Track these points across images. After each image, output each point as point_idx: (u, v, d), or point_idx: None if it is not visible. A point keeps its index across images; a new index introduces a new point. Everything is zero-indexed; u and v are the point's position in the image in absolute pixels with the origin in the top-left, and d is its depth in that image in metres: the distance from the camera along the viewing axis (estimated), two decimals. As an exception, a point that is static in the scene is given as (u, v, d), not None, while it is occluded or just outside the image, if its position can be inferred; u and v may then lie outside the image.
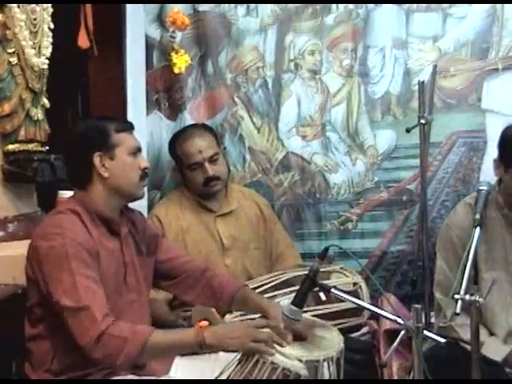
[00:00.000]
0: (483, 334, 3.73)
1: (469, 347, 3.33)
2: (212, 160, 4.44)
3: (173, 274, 3.58)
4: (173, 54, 4.88)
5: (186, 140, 4.51)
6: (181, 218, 4.35)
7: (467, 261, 3.44)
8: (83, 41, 4.15)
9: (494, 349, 3.74)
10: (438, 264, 4.05)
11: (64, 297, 3.00)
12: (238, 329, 3.23)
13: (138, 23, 5.08)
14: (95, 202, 3.27)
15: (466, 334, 3.50)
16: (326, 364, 3.29)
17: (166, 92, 5.22)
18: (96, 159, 3.27)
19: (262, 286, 4.01)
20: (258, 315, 3.52)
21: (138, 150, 3.41)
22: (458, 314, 3.47)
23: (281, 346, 3.17)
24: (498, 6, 5.05)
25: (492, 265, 3.47)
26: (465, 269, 3.40)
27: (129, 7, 4.99)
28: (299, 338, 3.36)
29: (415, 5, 5.16)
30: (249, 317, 3.71)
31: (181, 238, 4.33)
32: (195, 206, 4.49)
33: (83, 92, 4.97)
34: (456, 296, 3.36)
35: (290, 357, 3.15)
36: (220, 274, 3.67)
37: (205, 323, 3.26)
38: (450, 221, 4.14)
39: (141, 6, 5.07)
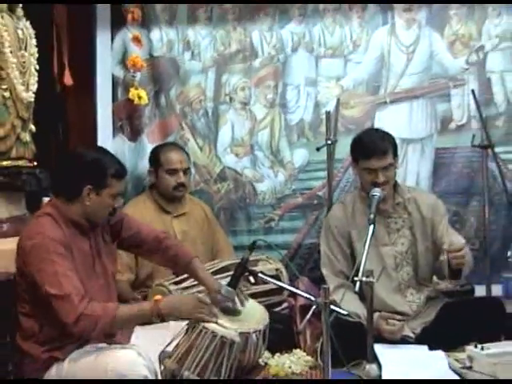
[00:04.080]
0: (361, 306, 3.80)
1: (343, 317, 3.45)
2: (185, 171, 4.46)
3: (137, 245, 3.52)
4: (133, 89, 4.86)
5: (172, 151, 4.52)
6: (145, 216, 4.30)
7: (364, 250, 3.50)
8: (68, 79, 4.13)
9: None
10: (322, 249, 4.14)
11: (48, 285, 2.98)
12: (187, 301, 3.30)
13: (106, 65, 5.10)
14: (69, 211, 3.19)
15: (345, 306, 3.58)
16: (254, 334, 3.35)
17: (128, 119, 5.17)
18: (85, 190, 3.17)
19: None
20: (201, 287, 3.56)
21: (120, 194, 3.34)
22: (357, 293, 3.54)
23: (216, 318, 3.23)
24: (386, 54, 5.19)
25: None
26: (361, 257, 3.47)
27: (98, 53, 5.01)
28: (234, 312, 3.40)
29: (322, 51, 5.24)
30: (192, 291, 3.73)
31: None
32: (156, 208, 4.46)
33: (63, 119, 4.94)
34: (355, 278, 3.42)
35: (226, 327, 3.18)
36: (175, 245, 3.58)
37: (159, 297, 3.26)
38: (329, 216, 4.27)
39: (108, 51, 5.06)
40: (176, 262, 3.57)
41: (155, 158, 4.53)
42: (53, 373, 3.11)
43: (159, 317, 3.12)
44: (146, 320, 3.19)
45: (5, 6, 3.69)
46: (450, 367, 3.52)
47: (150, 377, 2.98)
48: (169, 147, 4.63)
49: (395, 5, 5.16)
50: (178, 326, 3.37)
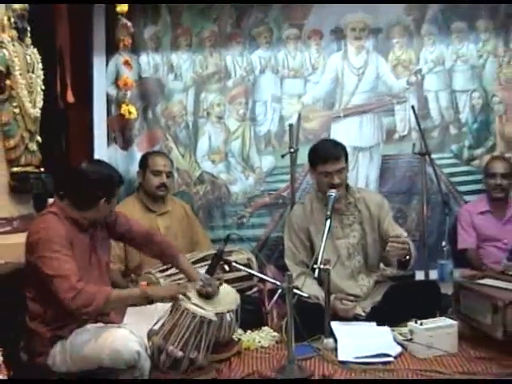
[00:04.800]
0: (319, 290, 3.82)
1: (304, 299, 3.51)
2: (167, 174, 4.45)
3: (130, 238, 3.52)
4: (124, 105, 4.86)
5: (159, 156, 4.52)
6: (133, 214, 4.27)
7: (321, 243, 3.55)
8: (70, 97, 4.14)
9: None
10: (285, 243, 4.15)
11: (49, 268, 2.97)
12: (168, 286, 3.40)
13: (101, 85, 5.09)
14: (74, 214, 3.19)
15: (306, 290, 3.62)
16: (228, 314, 3.37)
17: (120, 131, 5.16)
18: (101, 202, 3.18)
19: (186, 261, 4.02)
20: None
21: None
22: (316, 278, 3.58)
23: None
24: (339, 75, 5.22)
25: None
26: (319, 248, 3.51)
27: (95, 74, 5.02)
28: (211, 296, 3.43)
29: (286, 73, 5.26)
30: (175, 277, 3.73)
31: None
32: (143, 207, 4.44)
33: (65, 131, 4.93)
34: (315, 266, 3.46)
35: (204, 309, 3.21)
36: (162, 242, 3.58)
37: (144, 283, 3.28)
38: (290, 214, 4.28)
39: (103, 73, 5.07)
40: (162, 256, 3.58)
41: (144, 161, 4.52)
42: (58, 349, 3.11)
43: (146, 299, 3.13)
44: (135, 302, 3.19)
45: (15, 35, 3.70)
46: (395, 340, 3.55)
47: (141, 351, 3.00)
48: (156, 153, 4.65)
49: (347, 34, 5.20)
50: (163, 308, 3.37)
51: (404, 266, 3.89)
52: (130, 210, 4.31)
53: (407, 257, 3.77)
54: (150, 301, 3.15)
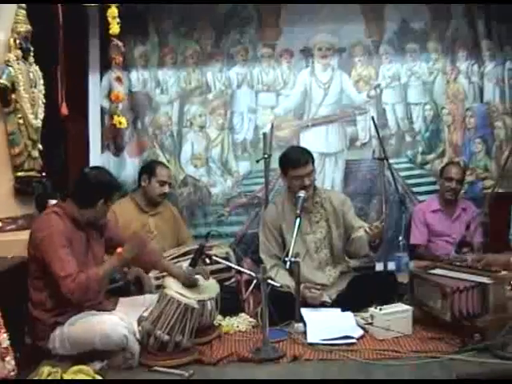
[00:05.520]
0: (290, 280, 3.82)
1: (277, 288, 3.47)
2: (169, 184, 4.45)
3: (114, 245, 3.44)
4: (116, 116, 4.86)
5: (165, 168, 4.46)
6: (127, 214, 4.26)
7: (292, 238, 3.57)
8: (64, 110, 4.15)
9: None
10: (260, 239, 4.12)
11: (55, 268, 3.03)
12: (136, 241, 3.30)
13: (96, 99, 5.15)
14: (73, 211, 3.23)
15: (278, 280, 3.63)
16: (209, 302, 3.38)
17: (113, 140, 5.20)
18: (100, 203, 3.24)
19: (172, 254, 3.99)
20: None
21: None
22: (288, 270, 3.61)
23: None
24: (308, 89, 5.27)
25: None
26: (290, 243, 3.55)
27: (90, 89, 5.09)
28: (194, 285, 3.46)
29: (260, 87, 5.30)
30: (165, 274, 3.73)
31: (127, 226, 4.16)
32: (136, 208, 4.38)
33: (64, 140, 4.93)
34: (286, 259, 3.49)
35: (188, 297, 3.24)
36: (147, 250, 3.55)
37: (120, 249, 3.27)
38: (264, 213, 4.28)
39: (98, 88, 5.13)
40: (146, 262, 3.56)
41: (151, 168, 4.43)
42: (57, 333, 3.15)
43: (123, 261, 3.21)
44: (118, 267, 3.30)
45: (20, 55, 3.74)
46: (357, 323, 3.55)
47: (129, 335, 3.05)
48: (163, 165, 4.58)
49: (314, 53, 5.27)
50: (151, 298, 3.43)
51: (375, 249, 3.89)
52: (125, 209, 4.31)
53: (378, 240, 3.78)
54: (127, 262, 3.27)
